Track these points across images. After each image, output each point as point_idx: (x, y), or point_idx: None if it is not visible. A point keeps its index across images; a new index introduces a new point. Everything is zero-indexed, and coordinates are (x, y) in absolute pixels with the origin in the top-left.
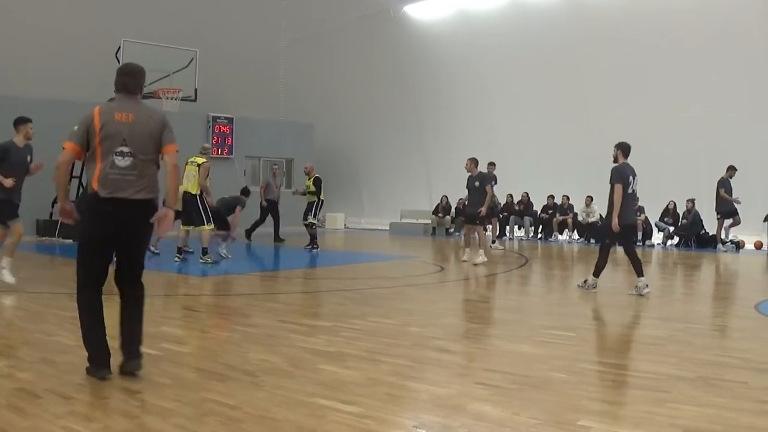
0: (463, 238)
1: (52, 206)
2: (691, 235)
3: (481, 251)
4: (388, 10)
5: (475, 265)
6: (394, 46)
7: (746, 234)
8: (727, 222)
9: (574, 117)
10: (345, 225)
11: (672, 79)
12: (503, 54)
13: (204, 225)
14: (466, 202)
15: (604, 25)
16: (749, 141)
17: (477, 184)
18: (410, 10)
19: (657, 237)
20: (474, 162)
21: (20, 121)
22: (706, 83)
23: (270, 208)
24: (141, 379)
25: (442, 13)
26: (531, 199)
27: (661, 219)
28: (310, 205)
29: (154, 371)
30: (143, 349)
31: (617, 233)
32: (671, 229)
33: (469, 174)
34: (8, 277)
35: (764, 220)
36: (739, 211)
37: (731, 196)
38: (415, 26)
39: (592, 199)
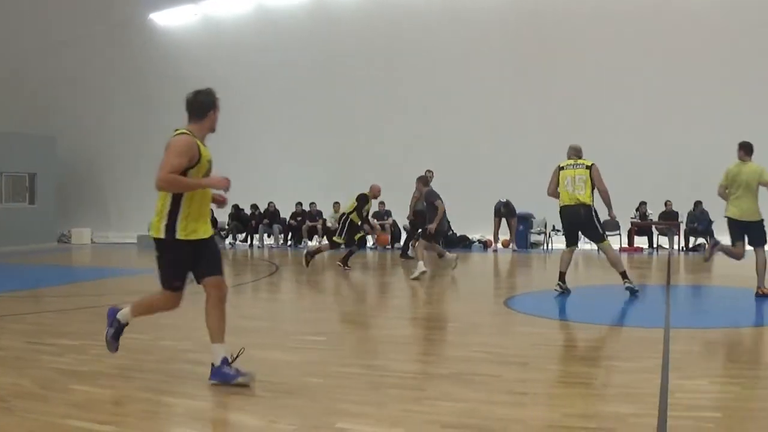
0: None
1: None
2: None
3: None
4: (133, 18)
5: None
6: (141, 55)
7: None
8: None
9: (321, 124)
10: (92, 239)
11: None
12: (250, 62)
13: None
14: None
15: (352, 36)
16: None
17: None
18: (156, 17)
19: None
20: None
21: None
22: (445, 91)
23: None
24: None
25: (188, 20)
26: (278, 207)
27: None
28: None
29: None
30: None
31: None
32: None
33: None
34: None
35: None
36: None
37: None
38: (161, 34)
39: (339, 204)
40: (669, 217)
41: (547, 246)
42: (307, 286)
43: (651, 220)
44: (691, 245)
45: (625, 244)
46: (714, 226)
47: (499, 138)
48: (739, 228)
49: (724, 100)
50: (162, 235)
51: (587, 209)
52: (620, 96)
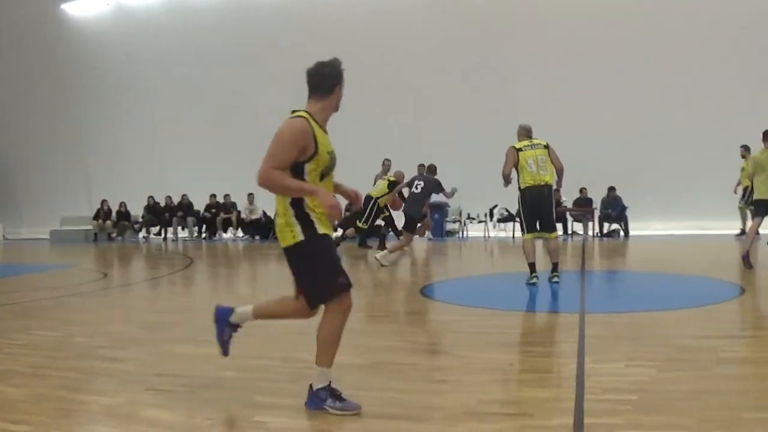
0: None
1: None
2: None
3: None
4: (44, 9)
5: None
6: (53, 47)
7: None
8: None
9: (237, 115)
10: (3, 236)
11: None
12: (164, 51)
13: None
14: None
15: (268, 25)
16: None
17: None
18: (68, 8)
19: None
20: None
21: None
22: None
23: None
24: None
25: (100, 9)
26: (192, 199)
27: None
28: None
29: None
30: None
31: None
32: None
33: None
34: None
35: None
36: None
37: None
38: (73, 25)
39: (254, 195)
40: (583, 203)
41: (463, 234)
42: (222, 279)
43: (565, 206)
44: (605, 231)
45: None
46: (628, 212)
47: (416, 129)
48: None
49: (635, 90)
50: (301, 237)
51: (551, 190)
52: (536, 84)
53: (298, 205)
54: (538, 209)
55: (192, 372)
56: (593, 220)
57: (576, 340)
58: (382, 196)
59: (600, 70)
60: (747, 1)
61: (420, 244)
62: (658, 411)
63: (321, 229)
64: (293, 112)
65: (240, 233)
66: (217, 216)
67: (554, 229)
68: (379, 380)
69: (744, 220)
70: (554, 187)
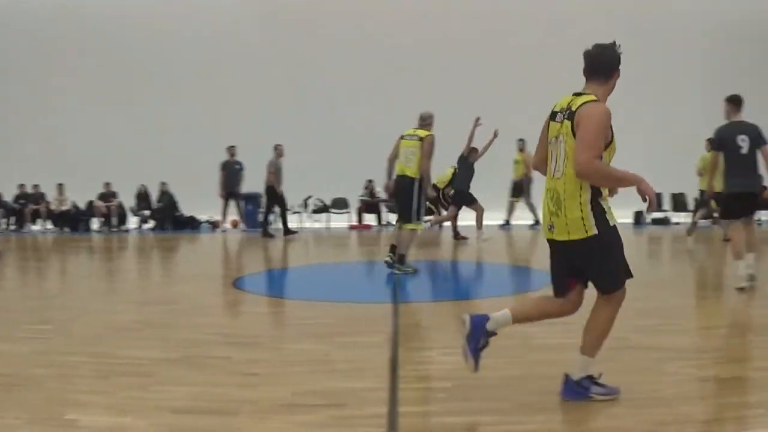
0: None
1: None
2: (166, 217)
3: None
4: None
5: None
6: None
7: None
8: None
9: (46, 104)
10: None
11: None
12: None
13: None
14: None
15: (89, 34)
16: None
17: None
18: None
19: (133, 221)
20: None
21: None
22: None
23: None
24: None
25: None
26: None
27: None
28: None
29: None
30: None
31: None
32: (147, 212)
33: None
34: None
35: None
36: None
37: None
38: None
39: (63, 185)
40: None
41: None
42: (32, 273)
43: (379, 197)
44: None
45: (354, 222)
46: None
47: (221, 115)
48: None
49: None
50: (595, 231)
51: (409, 182)
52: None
53: (595, 199)
54: (397, 199)
55: (1, 370)
56: None
57: (390, 330)
58: (447, 185)
59: (393, 64)
60: None
61: (234, 235)
62: (473, 397)
63: (611, 221)
64: (578, 96)
65: (49, 225)
66: (26, 207)
67: (408, 221)
68: (190, 374)
69: (510, 212)
70: (416, 180)
